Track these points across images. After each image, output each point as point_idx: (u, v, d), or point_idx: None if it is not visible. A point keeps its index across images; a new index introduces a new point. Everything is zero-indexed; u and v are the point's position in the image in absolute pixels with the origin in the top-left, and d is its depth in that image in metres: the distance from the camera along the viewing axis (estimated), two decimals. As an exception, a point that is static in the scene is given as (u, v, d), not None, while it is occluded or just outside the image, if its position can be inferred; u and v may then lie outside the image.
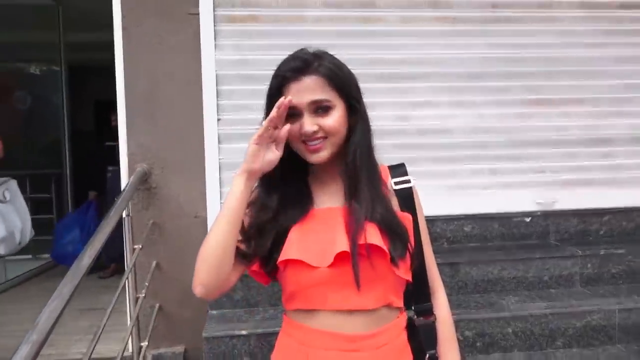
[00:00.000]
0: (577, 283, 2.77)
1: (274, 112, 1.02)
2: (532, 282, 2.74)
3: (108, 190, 4.47)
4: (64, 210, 4.91)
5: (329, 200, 1.13)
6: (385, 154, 1.18)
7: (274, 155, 1.05)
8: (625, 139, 3.13)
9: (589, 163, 3.12)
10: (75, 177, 4.97)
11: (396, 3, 2.92)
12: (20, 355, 1.16)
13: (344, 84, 1.08)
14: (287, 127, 1.05)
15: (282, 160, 1.08)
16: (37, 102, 4.90)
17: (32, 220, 3.50)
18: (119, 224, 2.21)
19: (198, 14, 2.72)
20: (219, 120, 2.79)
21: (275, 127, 1.04)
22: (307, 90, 1.05)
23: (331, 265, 1.04)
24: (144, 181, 2.68)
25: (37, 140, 5.00)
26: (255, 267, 1.12)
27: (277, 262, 1.07)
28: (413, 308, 1.19)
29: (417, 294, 1.18)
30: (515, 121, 3.05)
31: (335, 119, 1.06)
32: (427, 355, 1.15)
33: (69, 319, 3.19)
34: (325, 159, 1.07)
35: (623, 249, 2.83)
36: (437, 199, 2.90)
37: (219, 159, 2.79)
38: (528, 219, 3.04)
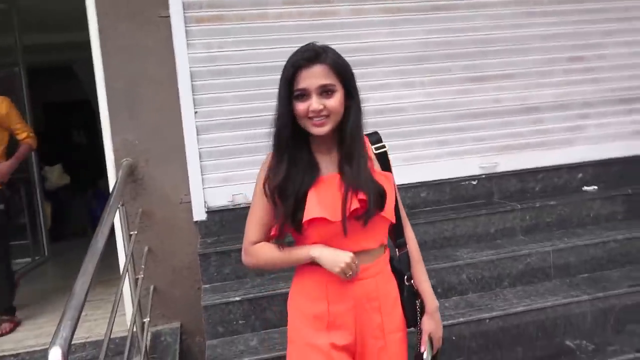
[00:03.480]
0: (519, 233, 3.19)
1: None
2: (481, 235, 3.13)
3: None
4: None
5: (329, 167, 1.42)
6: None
7: None
8: (551, 107, 3.59)
9: (522, 129, 3.55)
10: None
11: (346, -3, 3.22)
12: (68, 317, 1.39)
13: (345, 73, 1.37)
14: None
15: (290, 135, 1.36)
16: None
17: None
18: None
19: (169, 16, 2.94)
20: (195, 112, 3.03)
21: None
22: (316, 75, 1.33)
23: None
24: (130, 174, 2.91)
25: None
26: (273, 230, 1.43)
27: (303, 221, 1.35)
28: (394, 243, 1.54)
29: (395, 232, 1.54)
30: (458, 96, 3.44)
31: (337, 100, 1.36)
32: (405, 276, 1.52)
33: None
34: (327, 132, 1.36)
35: (555, 201, 3.28)
36: (395, 170, 3.24)
37: (199, 148, 3.04)
38: (474, 182, 3.45)
